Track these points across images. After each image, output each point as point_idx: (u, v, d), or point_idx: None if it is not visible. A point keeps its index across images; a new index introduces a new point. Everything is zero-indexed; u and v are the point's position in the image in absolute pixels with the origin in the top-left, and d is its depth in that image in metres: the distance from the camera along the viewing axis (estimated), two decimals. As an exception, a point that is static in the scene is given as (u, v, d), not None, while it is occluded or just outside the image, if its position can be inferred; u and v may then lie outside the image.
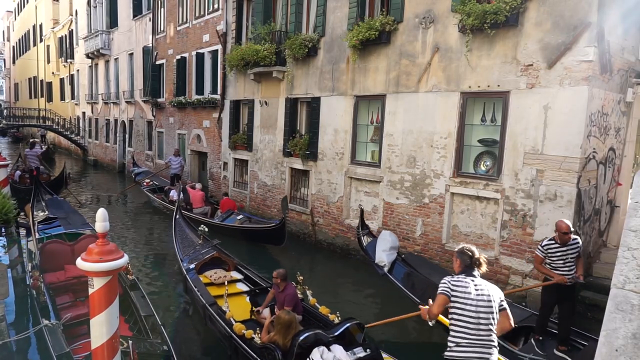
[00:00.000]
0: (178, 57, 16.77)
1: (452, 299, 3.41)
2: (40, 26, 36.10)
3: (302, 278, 6.21)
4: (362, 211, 8.50)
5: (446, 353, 3.46)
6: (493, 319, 3.38)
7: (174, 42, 17.19)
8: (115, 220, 12.92)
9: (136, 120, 21.18)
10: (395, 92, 8.85)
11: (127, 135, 22.43)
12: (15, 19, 47.24)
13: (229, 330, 5.21)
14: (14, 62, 49.12)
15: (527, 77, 6.94)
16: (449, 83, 7.95)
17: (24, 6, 41.87)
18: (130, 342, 4.41)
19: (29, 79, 40.76)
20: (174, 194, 13.05)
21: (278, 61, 11.32)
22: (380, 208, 9.27)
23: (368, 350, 4.56)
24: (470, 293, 3.37)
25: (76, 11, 27.70)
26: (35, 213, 8.87)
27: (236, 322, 5.31)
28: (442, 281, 3.54)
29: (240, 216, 11.20)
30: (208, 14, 14.98)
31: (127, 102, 21.70)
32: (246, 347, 4.86)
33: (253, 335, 4.94)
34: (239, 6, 13.19)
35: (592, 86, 6.42)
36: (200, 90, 15.58)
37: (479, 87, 7.54)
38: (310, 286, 6.36)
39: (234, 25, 13.39)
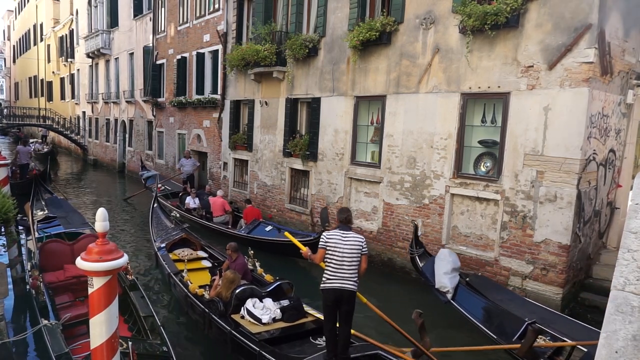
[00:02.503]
0: (178, 56, 16.77)
1: (327, 248, 4.63)
2: (41, 25, 36.11)
3: (252, 252, 7.50)
4: (416, 227, 7.52)
5: (321, 285, 4.68)
6: (356, 260, 4.61)
7: (175, 42, 17.19)
8: (120, 223, 12.87)
9: (136, 119, 21.18)
10: (396, 92, 8.85)
11: (127, 135, 22.43)
12: (15, 18, 47.26)
13: (186, 290, 6.40)
14: (14, 62, 49.12)
15: (528, 79, 6.94)
16: (449, 84, 7.94)
17: (24, 5, 41.88)
18: (129, 342, 4.41)
19: (29, 78, 40.76)
20: (190, 201, 12.32)
21: (278, 61, 11.32)
22: (380, 209, 9.27)
23: (292, 301, 5.78)
24: (339, 243, 4.60)
25: (77, 11, 27.72)
26: (34, 212, 8.87)
27: (191, 283, 6.51)
28: (321, 236, 4.75)
29: (269, 227, 10.17)
30: (209, 13, 14.98)
31: (127, 101, 21.71)
32: (197, 302, 6.06)
33: (204, 293, 6.23)
34: (239, 6, 13.19)
35: (592, 88, 6.42)
36: (200, 90, 15.58)
37: (479, 88, 7.54)
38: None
39: (235, 25, 13.40)
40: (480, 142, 7.79)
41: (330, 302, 4.62)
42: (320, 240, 4.75)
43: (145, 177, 16.37)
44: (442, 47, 8.01)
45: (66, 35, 30.24)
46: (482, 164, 7.80)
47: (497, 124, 7.52)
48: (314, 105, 10.73)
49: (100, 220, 3.48)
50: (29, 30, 40.26)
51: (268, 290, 5.98)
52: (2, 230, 7.98)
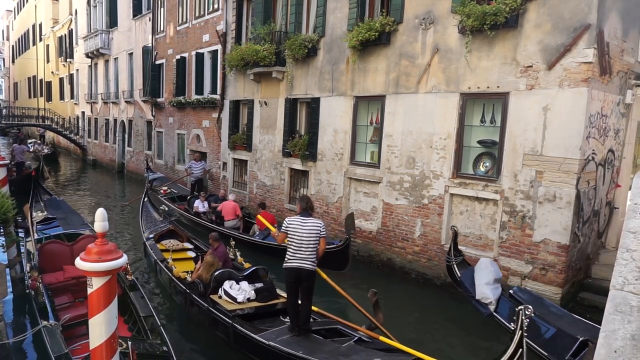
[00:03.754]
0: (178, 57, 16.77)
1: (288, 232, 5.18)
2: (40, 25, 36.06)
3: (233, 242, 8.00)
4: (455, 233, 6.98)
5: (284, 264, 5.24)
6: (313, 243, 5.16)
7: (174, 42, 17.18)
8: (120, 223, 12.82)
9: (136, 120, 21.17)
10: (395, 92, 8.85)
11: (126, 135, 22.42)
12: (14, 18, 47.19)
13: (170, 274, 7.07)
14: (13, 62, 49.06)
15: (527, 79, 6.95)
16: (448, 84, 7.95)
17: (23, 5, 41.83)
18: (129, 343, 4.41)
19: (29, 78, 40.72)
20: (199, 205, 11.80)
21: (278, 61, 11.32)
22: (379, 209, 9.27)
23: (266, 284, 6.37)
24: (298, 228, 5.15)
25: (76, 10, 27.70)
26: (34, 213, 8.85)
27: (175, 268, 7.18)
28: (284, 221, 5.30)
29: None
30: (208, 14, 14.98)
31: (126, 101, 21.70)
32: (180, 284, 6.70)
33: (186, 276, 6.86)
34: (239, 6, 13.19)
35: (591, 88, 6.43)
36: (199, 90, 15.58)
37: (478, 88, 7.54)
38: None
39: (234, 25, 13.40)
40: (479, 142, 7.80)
41: (292, 279, 5.22)
42: (283, 225, 5.31)
43: (151, 179, 15.50)
44: (442, 47, 8.01)
45: (65, 35, 30.21)
46: (482, 164, 7.80)
47: (496, 124, 7.53)
48: (313, 105, 10.73)
49: (100, 220, 3.48)
50: (28, 30, 40.21)
51: (245, 274, 6.54)
52: (2, 230, 7.97)
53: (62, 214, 9.09)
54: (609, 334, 2.03)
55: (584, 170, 6.72)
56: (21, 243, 8.04)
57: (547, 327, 5.46)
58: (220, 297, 6.11)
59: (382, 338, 5.17)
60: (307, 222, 5.18)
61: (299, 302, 5.29)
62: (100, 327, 3.49)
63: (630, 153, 8.17)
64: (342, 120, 10.00)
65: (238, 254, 7.77)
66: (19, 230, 8.42)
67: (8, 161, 11.58)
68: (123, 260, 3.51)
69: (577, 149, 6.50)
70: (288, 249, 5.20)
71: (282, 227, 5.26)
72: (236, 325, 5.43)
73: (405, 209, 8.77)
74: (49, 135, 33.54)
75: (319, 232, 5.19)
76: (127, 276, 6.37)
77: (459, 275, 6.59)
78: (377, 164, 9.33)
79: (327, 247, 7.96)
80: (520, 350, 3.78)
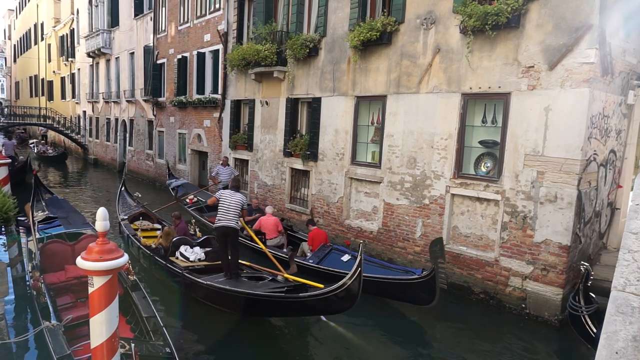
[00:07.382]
0: (179, 56, 16.78)
1: (220, 200, 7.04)
2: (42, 25, 36.11)
3: (194, 221, 10.02)
4: (587, 273, 5.29)
5: (214, 225, 7.13)
6: (238, 210, 6.95)
7: (175, 42, 17.20)
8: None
9: (137, 119, 21.19)
10: (396, 92, 8.85)
11: (127, 135, 22.44)
12: (16, 17, 47.26)
13: (138, 244, 8.69)
14: (15, 61, 49.13)
15: (528, 79, 6.94)
16: (449, 84, 7.94)
17: (25, 5, 41.88)
18: (132, 344, 4.41)
19: (30, 77, 40.77)
20: None
21: (279, 61, 11.32)
22: (380, 209, 9.27)
23: (215, 249, 7.81)
24: (228, 198, 7.00)
25: (77, 10, 27.73)
26: (35, 212, 8.86)
27: (143, 239, 8.97)
28: (218, 192, 7.41)
29: (347, 257, 8.17)
30: (209, 13, 14.99)
31: (127, 101, 21.72)
32: (146, 250, 8.33)
33: (152, 244, 8.48)
34: (240, 6, 13.19)
35: (593, 88, 6.42)
36: (201, 89, 15.59)
37: (479, 88, 7.54)
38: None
39: (235, 25, 13.40)
40: (480, 142, 7.79)
41: (220, 235, 7.00)
42: (216, 194, 7.28)
43: (174, 187, 13.93)
44: (443, 47, 8.00)
45: (67, 34, 30.24)
46: (483, 164, 7.79)
47: (497, 124, 7.52)
48: (314, 105, 10.73)
49: (101, 219, 3.48)
50: (29, 30, 40.26)
51: (198, 241, 8.14)
52: (3, 229, 7.98)
53: (63, 213, 9.09)
54: (610, 335, 2.03)
55: (586, 171, 6.71)
56: (22, 242, 8.04)
57: None
58: (177, 257, 7.76)
59: (287, 275, 7.03)
60: (234, 195, 7.05)
61: (229, 255, 6.93)
62: (101, 326, 3.50)
63: (632, 154, 8.16)
64: (343, 120, 10.00)
65: (197, 230, 9.49)
66: (20, 229, 8.42)
67: (10, 160, 11.54)
68: (124, 259, 3.52)
69: (578, 150, 6.49)
70: (218, 214, 6.96)
71: (216, 195, 7.25)
72: (185, 274, 7.10)
73: (406, 209, 8.76)
74: (51, 134, 33.56)
75: (242, 203, 7.03)
76: (129, 276, 6.37)
77: (594, 331, 4.93)
78: (378, 164, 9.32)
79: (408, 278, 7.18)
80: (359, 269, 5.28)
